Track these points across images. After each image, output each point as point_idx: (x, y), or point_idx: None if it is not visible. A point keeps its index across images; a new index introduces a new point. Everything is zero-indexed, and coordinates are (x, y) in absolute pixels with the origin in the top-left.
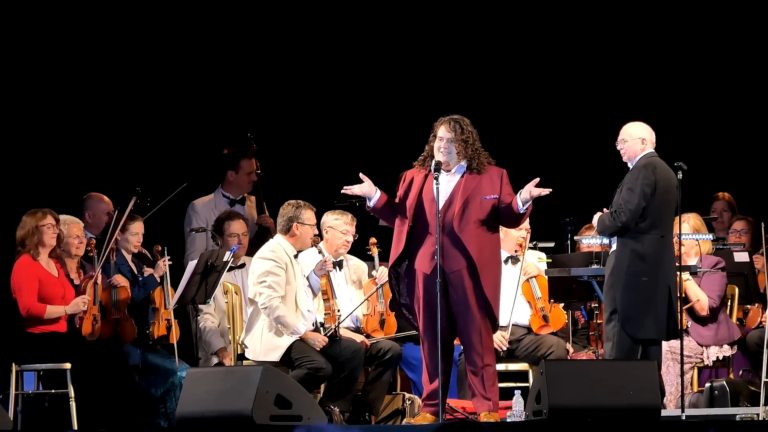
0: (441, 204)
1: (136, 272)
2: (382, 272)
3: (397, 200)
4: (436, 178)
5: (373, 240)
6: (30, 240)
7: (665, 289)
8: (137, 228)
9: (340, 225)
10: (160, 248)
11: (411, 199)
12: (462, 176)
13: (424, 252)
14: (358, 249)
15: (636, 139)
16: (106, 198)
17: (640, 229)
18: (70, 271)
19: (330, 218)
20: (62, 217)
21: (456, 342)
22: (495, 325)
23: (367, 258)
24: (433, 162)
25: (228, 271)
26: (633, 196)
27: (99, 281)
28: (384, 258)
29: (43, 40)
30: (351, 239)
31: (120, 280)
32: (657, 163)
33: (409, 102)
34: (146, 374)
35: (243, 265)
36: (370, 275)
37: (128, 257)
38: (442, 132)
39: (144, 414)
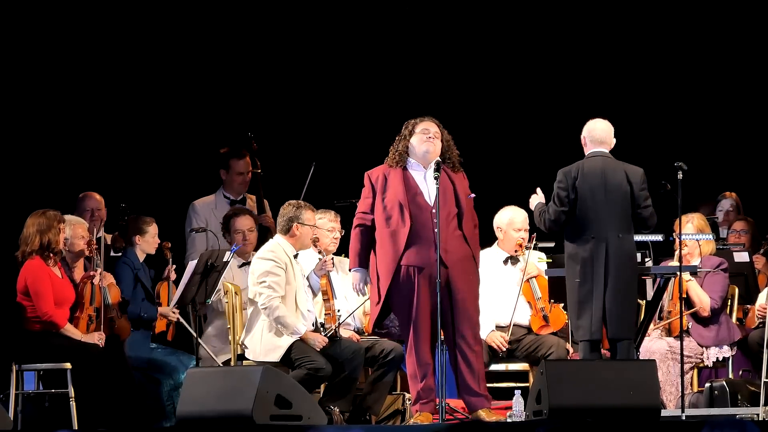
0: (433, 200)
1: (150, 277)
2: None
3: (369, 201)
4: (436, 178)
5: None
6: (55, 245)
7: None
8: (155, 230)
9: (325, 223)
10: (169, 245)
11: (401, 199)
12: (437, 172)
13: (422, 249)
14: None
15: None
16: (97, 196)
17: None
18: (73, 271)
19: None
20: (67, 217)
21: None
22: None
23: None
24: (434, 162)
25: (239, 267)
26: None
27: (96, 282)
28: None
29: (42, 41)
30: (338, 235)
31: (108, 277)
32: (579, 167)
33: (408, 102)
34: (153, 370)
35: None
36: None
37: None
38: (428, 125)
39: (147, 415)
